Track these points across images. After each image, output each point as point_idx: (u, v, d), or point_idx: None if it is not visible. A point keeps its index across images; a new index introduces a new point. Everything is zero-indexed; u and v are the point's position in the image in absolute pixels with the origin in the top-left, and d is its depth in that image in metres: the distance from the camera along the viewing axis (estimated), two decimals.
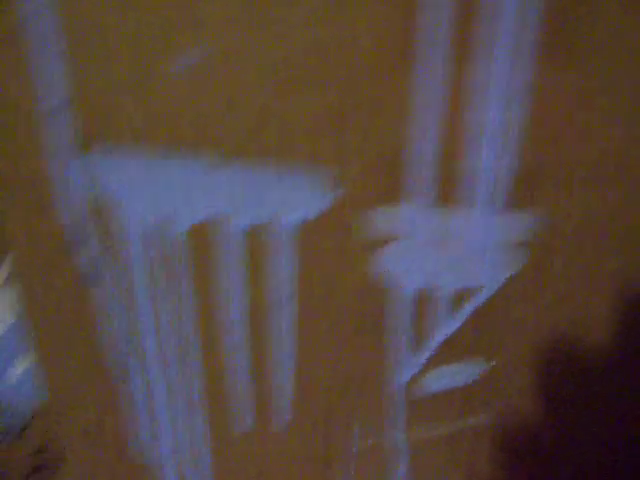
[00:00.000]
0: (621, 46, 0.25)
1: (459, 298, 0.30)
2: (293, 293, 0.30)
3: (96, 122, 0.26)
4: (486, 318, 0.30)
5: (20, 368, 0.56)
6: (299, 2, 0.24)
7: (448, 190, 0.27)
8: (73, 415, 0.33)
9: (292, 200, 0.28)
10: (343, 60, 0.25)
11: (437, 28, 0.24)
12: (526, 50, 0.24)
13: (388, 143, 0.26)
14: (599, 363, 0.31)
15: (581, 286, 0.30)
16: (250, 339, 0.31)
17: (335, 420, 0.33)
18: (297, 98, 0.25)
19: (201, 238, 0.29)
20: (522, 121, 0.26)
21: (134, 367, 0.32)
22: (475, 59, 0.24)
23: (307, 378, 0.32)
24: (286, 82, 0.25)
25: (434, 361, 0.31)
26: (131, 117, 0.26)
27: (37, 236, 0.29)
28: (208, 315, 0.30)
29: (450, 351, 0.31)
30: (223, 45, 0.24)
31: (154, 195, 0.28)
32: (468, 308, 0.30)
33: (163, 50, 0.25)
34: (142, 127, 0.26)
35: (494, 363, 0.31)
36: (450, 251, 0.29)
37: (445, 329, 0.30)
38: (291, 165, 0.27)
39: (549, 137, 0.26)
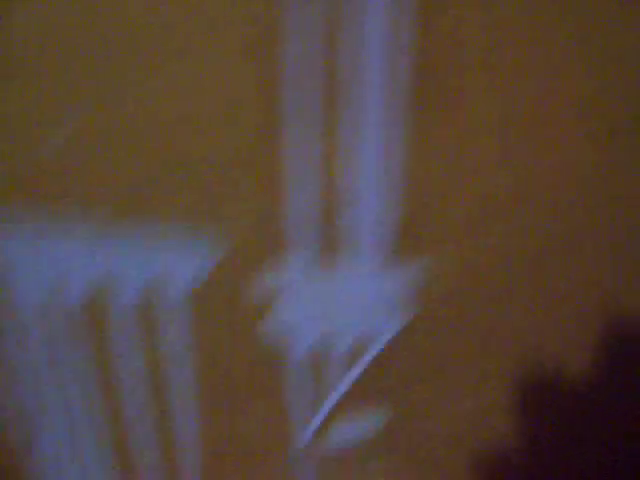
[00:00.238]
0: (491, 92, 0.26)
1: (355, 350, 0.30)
2: (185, 357, 0.30)
3: None
4: (384, 368, 0.30)
5: None
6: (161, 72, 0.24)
7: (332, 245, 0.28)
8: None
9: (178, 263, 0.28)
10: (223, 123, 0.25)
11: (308, 91, 0.25)
12: (397, 105, 0.25)
13: (269, 202, 0.27)
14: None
15: (472, 332, 0.30)
16: (150, 404, 0.31)
17: None
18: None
19: (92, 305, 0.29)
20: (400, 174, 0.26)
21: (39, 439, 0.31)
22: (348, 115, 0.25)
23: (210, 442, 0.31)
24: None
25: (336, 415, 0.31)
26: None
27: None
28: (107, 382, 0.30)
29: (351, 403, 0.31)
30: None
31: (41, 266, 0.28)
32: (364, 359, 0.30)
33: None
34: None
35: (397, 411, 0.31)
36: (340, 305, 0.29)
37: (344, 382, 0.31)
38: (175, 228, 0.27)
39: (428, 188, 0.27)
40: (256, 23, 0.24)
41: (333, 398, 0.31)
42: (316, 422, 0.31)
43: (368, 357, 0.31)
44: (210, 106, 0.26)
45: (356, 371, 0.31)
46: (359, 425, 0.31)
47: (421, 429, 0.32)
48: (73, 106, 0.25)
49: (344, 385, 0.31)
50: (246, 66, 0.25)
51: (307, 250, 0.28)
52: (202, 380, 0.31)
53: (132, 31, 0.24)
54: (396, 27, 0.24)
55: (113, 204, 0.27)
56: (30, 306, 0.29)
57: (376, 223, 0.28)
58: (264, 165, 0.27)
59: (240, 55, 0.25)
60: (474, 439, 0.32)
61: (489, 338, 0.31)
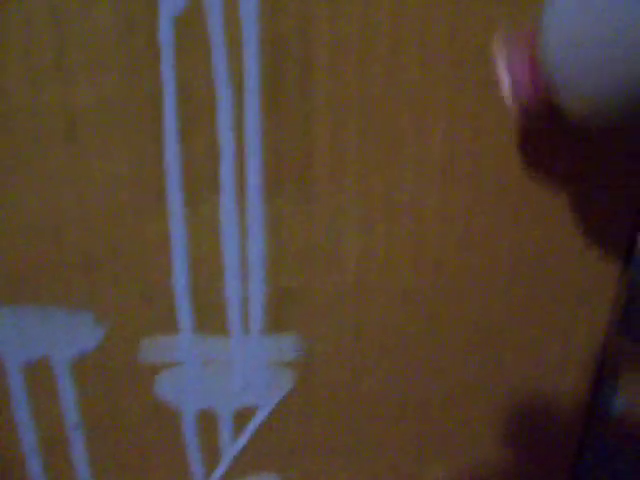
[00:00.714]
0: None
1: (240, 418, 0.32)
2: (78, 425, 0.31)
3: None
4: (271, 435, 0.32)
5: None
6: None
7: (210, 318, 0.29)
8: None
9: (65, 337, 0.30)
10: (101, 207, 0.27)
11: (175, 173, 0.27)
12: (258, 188, 0.27)
13: (147, 278, 0.29)
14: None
15: (345, 400, 0.31)
16: (45, 475, 0.32)
17: None
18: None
19: None
20: (266, 251, 0.28)
21: None
22: (209, 199, 0.27)
23: None
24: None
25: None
26: None
27: None
28: (7, 452, 0.32)
29: (241, 469, 0.32)
30: None
31: None
32: (250, 427, 0.31)
33: None
34: None
35: (288, 476, 0.33)
36: (222, 374, 0.31)
37: (233, 448, 0.32)
38: (61, 303, 0.29)
39: (290, 264, 0.29)
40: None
41: (224, 464, 0.32)
42: None
43: (254, 425, 0.32)
44: (88, 191, 0.27)
45: (244, 437, 0.32)
46: None
47: None
48: None
49: (234, 450, 0.32)
50: (123, 148, 0.27)
51: (189, 324, 0.30)
52: (94, 446, 0.32)
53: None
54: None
55: None
56: None
57: (248, 299, 0.29)
58: (143, 243, 0.28)
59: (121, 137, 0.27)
60: None
61: (357, 406, 0.32)
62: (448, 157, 0.27)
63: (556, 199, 0.28)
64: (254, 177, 0.27)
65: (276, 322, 0.30)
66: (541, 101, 0.22)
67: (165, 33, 0.25)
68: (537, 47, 0.21)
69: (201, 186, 0.27)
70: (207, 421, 0.32)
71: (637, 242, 0.30)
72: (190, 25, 0.25)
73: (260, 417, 0.32)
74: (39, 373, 0.31)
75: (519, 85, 0.23)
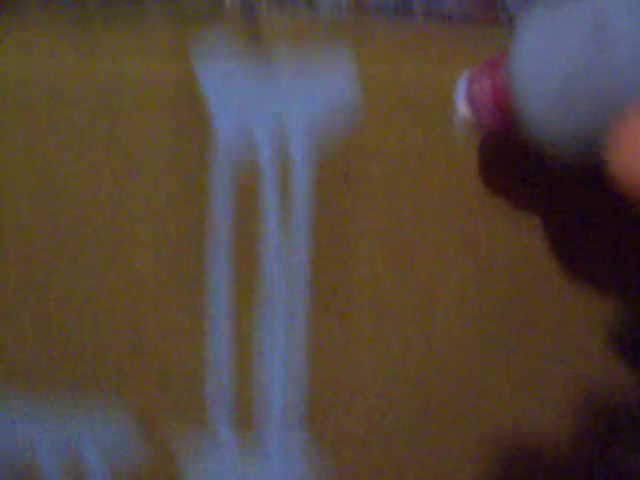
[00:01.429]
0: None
1: None
2: None
3: None
4: None
5: None
6: None
7: (246, 417, 0.31)
8: None
9: (97, 433, 0.31)
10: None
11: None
12: (299, 309, 0.29)
13: (188, 385, 0.30)
14: None
15: None
16: None
17: None
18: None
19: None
20: (304, 367, 0.30)
21: None
22: (256, 316, 0.29)
23: None
24: None
25: None
26: None
27: None
28: None
29: None
30: None
31: None
32: None
33: None
34: None
35: None
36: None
37: None
38: (95, 398, 0.31)
39: (331, 382, 0.30)
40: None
41: None
42: None
43: None
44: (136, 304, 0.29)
45: None
46: None
47: None
48: None
49: None
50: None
51: (222, 428, 0.31)
52: None
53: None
54: None
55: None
56: None
57: (283, 410, 0.30)
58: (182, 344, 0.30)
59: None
60: None
61: None
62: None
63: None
64: (299, 299, 0.29)
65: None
66: (503, 129, 0.23)
67: (220, 172, 0.28)
68: (502, 76, 0.21)
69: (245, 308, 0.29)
70: None
71: None
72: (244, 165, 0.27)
73: None
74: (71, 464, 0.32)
75: (480, 114, 0.23)
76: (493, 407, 0.30)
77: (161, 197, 0.28)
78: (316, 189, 0.27)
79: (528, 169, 0.26)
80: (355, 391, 0.30)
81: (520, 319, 0.28)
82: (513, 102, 0.21)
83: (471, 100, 0.23)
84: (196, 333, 0.29)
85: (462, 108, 0.23)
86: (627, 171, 0.16)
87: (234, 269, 0.29)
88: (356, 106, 0.27)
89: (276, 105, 0.27)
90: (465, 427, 0.30)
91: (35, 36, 0.27)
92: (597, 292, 0.28)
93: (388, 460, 0.31)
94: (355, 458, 0.31)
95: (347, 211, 0.28)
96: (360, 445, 0.30)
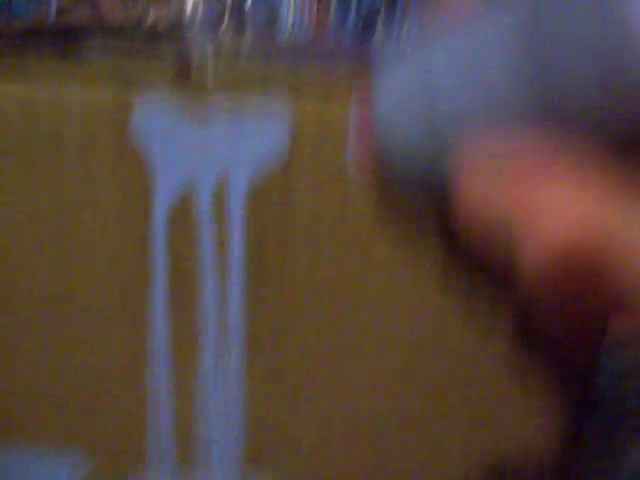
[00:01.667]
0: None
1: None
2: None
3: None
4: None
5: None
6: None
7: (188, 454, 0.33)
8: None
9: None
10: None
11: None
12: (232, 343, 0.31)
13: (135, 427, 0.32)
14: None
15: None
16: None
17: None
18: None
19: None
20: (241, 397, 0.31)
21: None
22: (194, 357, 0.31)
23: None
24: None
25: None
26: None
27: None
28: None
29: None
30: None
31: None
32: None
33: None
34: None
35: None
36: None
37: None
38: (43, 446, 0.32)
39: (268, 415, 0.32)
40: None
41: None
42: None
43: None
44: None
45: None
46: None
47: None
48: None
49: None
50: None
51: (167, 460, 0.33)
52: None
53: None
54: None
55: None
56: None
57: (223, 440, 0.33)
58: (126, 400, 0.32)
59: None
60: None
61: None
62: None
63: None
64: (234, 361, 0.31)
65: (251, 460, 0.33)
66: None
67: (159, 222, 0.29)
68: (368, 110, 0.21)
69: (184, 354, 0.31)
70: None
71: None
72: (182, 220, 0.29)
73: None
74: None
75: (357, 147, 0.22)
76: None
77: (104, 250, 0.29)
78: (252, 222, 0.29)
79: None
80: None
81: None
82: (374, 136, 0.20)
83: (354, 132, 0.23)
84: (139, 374, 0.31)
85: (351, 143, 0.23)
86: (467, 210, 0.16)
87: (174, 313, 0.30)
88: (288, 149, 0.28)
89: (214, 153, 0.28)
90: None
91: None
92: None
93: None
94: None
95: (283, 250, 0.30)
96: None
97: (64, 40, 0.31)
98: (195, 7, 0.30)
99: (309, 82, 0.28)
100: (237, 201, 0.28)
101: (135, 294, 0.29)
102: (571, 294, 0.14)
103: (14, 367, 0.30)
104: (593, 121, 0.16)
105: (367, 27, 0.30)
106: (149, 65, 0.28)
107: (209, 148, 0.28)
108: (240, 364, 0.31)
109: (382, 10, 0.29)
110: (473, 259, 0.18)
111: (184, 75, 0.27)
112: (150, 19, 0.29)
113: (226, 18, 0.31)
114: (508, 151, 0.16)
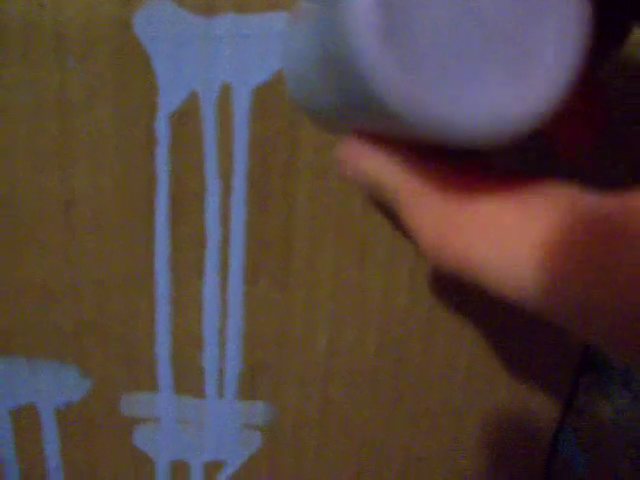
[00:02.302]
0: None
1: (210, 471, 0.34)
2: (59, 468, 0.34)
3: None
4: None
5: None
6: None
7: (188, 381, 0.32)
8: None
9: (52, 387, 0.32)
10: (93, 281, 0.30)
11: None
12: (235, 271, 0.30)
13: (132, 344, 0.31)
14: None
15: (308, 464, 0.34)
16: None
17: None
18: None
19: None
20: (239, 329, 0.31)
21: None
22: (194, 280, 0.30)
23: None
24: None
25: None
26: None
27: None
28: None
29: None
30: None
31: None
32: (220, 478, 0.35)
33: None
34: None
35: None
36: (195, 431, 0.33)
37: None
38: (50, 358, 0.32)
39: (265, 343, 0.31)
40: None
41: None
42: None
43: (223, 477, 0.34)
44: (82, 266, 0.29)
45: None
46: None
47: None
48: None
49: None
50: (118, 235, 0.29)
51: (166, 385, 0.32)
52: None
53: None
54: None
55: None
56: None
57: (221, 369, 0.32)
58: (129, 317, 0.30)
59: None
60: None
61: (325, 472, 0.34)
62: (413, 262, 0.29)
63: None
64: (236, 264, 0.29)
65: (249, 390, 0.32)
66: None
67: (162, 130, 0.27)
68: None
69: (187, 269, 0.29)
70: (180, 471, 0.34)
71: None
72: (185, 123, 0.27)
73: (228, 471, 0.34)
74: (26, 418, 0.33)
75: None
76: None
77: (107, 156, 0.28)
78: (256, 149, 0.27)
79: None
80: (288, 354, 0.31)
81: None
82: None
83: None
84: (145, 300, 0.30)
85: None
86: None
87: (177, 234, 0.29)
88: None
89: (219, 56, 0.26)
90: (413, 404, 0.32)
91: None
92: None
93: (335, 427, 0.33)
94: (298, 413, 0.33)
95: (287, 171, 0.28)
96: (294, 398, 0.32)
97: None
98: None
99: None
100: (243, 104, 0.27)
101: (138, 206, 0.28)
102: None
103: (13, 279, 0.30)
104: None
105: None
106: None
107: (214, 49, 0.26)
108: (242, 290, 0.30)
109: None
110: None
111: None
112: None
113: None
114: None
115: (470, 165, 0.17)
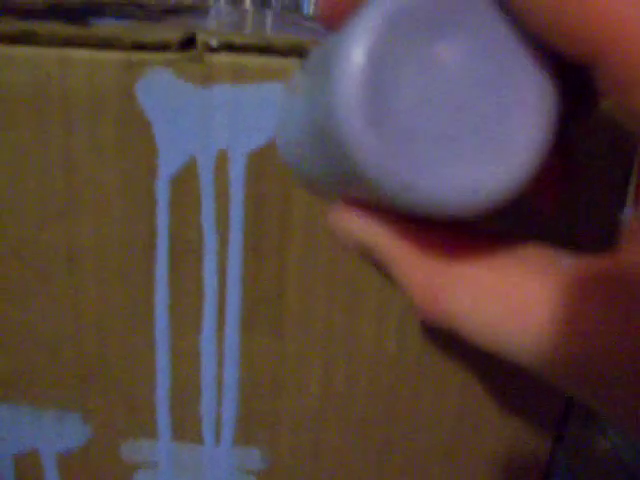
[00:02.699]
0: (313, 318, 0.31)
1: None
2: None
3: None
4: None
5: None
6: None
7: (186, 428, 0.33)
8: None
9: (54, 434, 0.34)
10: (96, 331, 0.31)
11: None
12: (231, 321, 0.31)
13: (133, 391, 0.32)
14: None
15: None
16: None
17: None
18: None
19: None
20: (237, 378, 0.32)
21: None
22: (192, 331, 0.31)
23: None
24: None
25: None
26: None
27: None
28: None
29: None
30: None
31: None
32: None
33: None
34: None
35: None
36: (192, 477, 0.35)
37: None
38: (53, 405, 0.33)
39: (260, 390, 0.32)
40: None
41: None
42: None
43: None
44: (84, 316, 0.31)
45: None
46: None
47: None
48: None
49: None
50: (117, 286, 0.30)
51: (164, 433, 0.33)
52: None
53: None
54: None
55: None
56: None
57: (217, 416, 0.33)
58: (131, 365, 0.32)
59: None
60: None
61: None
62: (402, 310, 0.31)
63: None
64: (233, 315, 0.31)
65: (245, 436, 0.33)
66: None
67: (162, 190, 0.29)
68: None
69: (186, 319, 0.31)
70: None
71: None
72: (184, 184, 0.29)
73: None
74: (29, 464, 0.34)
75: None
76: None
77: (110, 214, 0.29)
78: (251, 207, 0.29)
79: None
80: (282, 401, 0.32)
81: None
82: None
83: None
84: (145, 349, 0.32)
85: None
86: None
87: (176, 286, 0.30)
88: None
89: (216, 120, 0.28)
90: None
91: None
92: None
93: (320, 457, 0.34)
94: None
95: (282, 229, 0.30)
96: (288, 444, 0.33)
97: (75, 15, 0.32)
98: None
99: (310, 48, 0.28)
100: (238, 168, 0.28)
101: (139, 260, 0.30)
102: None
103: (20, 329, 0.31)
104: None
105: None
106: (157, 29, 0.29)
107: (212, 113, 0.28)
108: (238, 340, 0.31)
109: None
110: None
111: (190, 39, 0.28)
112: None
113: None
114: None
115: (456, 227, 0.18)
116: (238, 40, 0.27)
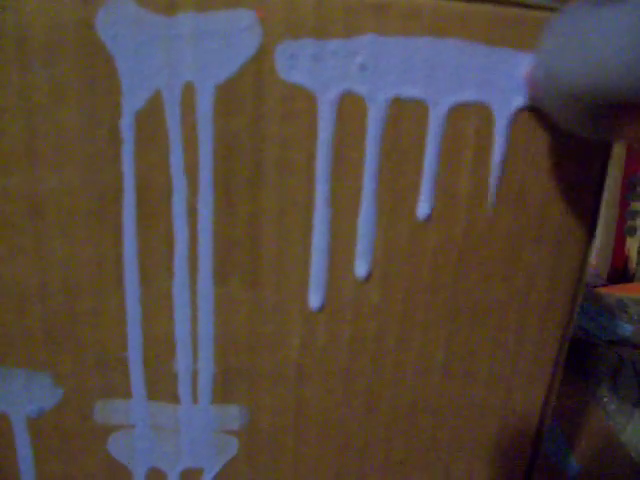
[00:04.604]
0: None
1: (188, 478, 0.34)
2: (33, 478, 0.33)
3: None
4: None
5: None
6: None
7: (161, 387, 0.32)
8: None
9: (24, 396, 0.32)
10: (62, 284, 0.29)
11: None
12: (204, 270, 0.29)
13: (104, 348, 0.31)
14: None
15: (285, 467, 0.33)
16: None
17: None
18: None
19: None
20: (212, 333, 0.30)
21: None
22: (163, 282, 0.30)
23: None
24: None
25: None
26: None
27: None
28: None
29: None
30: None
31: None
32: None
33: None
34: None
35: None
36: (170, 438, 0.33)
37: None
38: (22, 365, 0.31)
39: (242, 345, 0.31)
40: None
41: None
42: None
43: None
44: (50, 268, 0.29)
45: None
46: None
47: None
48: None
49: None
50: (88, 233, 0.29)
51: (139, 391, 0.32)
52: None
53: None
54: None
55: None
56: None
57: (194, 374, 0.31)
58: (100, 320, 0.30)
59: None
60: None
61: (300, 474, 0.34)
62: (386, 260, 0.29)
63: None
64: (205, 263, 0.29)
65: (223, 394, 0.32)
66: None
67: (127, 129, 0.27)
68: None
69: (156, 269, 0.29)
70: (156, 479, 0.34)
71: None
72: (150, 122, 0.27)
73: (206, 478, 0.34)
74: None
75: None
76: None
77: (74, 157, 0.28)
78: (222, 145, 0.28)
79: None
80: (261, 355, 0.31)
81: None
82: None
83: None
84: (115, 302, 0.30)
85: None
86: None
87: (145, 233, 0.29)
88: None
89: (182, 53, 0.26)
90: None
91: None
92: None
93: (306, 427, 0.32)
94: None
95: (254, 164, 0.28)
96: (268, 401, 0.32)
97: None
98: None
99: None
100: (206, 102, 0.27)
101: (105, 205, 0.28)
102: None
103: None
104: None
105: None
106: None
107: (177, 44, 0.26)
108: (212, 290, 0.30)
109: None
110: None
111: None
112: None
113: None
114: None
115: None
116: None
